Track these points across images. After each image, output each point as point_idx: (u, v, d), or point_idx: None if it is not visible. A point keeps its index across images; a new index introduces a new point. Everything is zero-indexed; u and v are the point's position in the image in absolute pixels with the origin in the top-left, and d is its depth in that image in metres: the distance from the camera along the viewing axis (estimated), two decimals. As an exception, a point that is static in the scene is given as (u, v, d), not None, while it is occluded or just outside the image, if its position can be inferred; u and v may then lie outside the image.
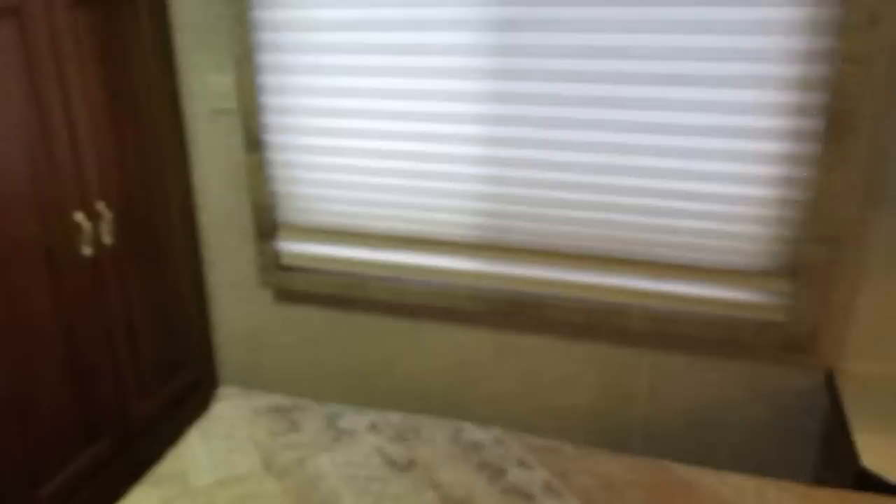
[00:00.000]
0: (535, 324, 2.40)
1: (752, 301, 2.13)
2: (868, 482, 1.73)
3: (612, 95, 2.06)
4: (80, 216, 2.09)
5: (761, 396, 2.24)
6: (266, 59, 2.35)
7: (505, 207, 2.27)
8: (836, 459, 1.98)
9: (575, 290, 2.29)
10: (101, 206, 2.18)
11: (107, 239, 2.21)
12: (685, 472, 1.80)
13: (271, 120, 2.42)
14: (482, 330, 2.46)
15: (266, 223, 2.54)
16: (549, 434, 2.50)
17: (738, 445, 2.32)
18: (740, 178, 2.03)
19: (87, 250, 2.12)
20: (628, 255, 2.20)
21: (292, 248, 2.58)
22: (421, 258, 2.43)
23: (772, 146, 1.98)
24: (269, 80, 2.38)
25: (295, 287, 2.60)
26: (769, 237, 2.06)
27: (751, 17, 1.89)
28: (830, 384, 2.11)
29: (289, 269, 2.61)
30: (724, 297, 2.15)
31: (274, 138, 2.45)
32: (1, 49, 1.83)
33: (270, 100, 2.40)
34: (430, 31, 2.16)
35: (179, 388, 2.66)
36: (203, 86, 2.47)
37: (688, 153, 2.05)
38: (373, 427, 2.00)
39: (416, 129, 2.28)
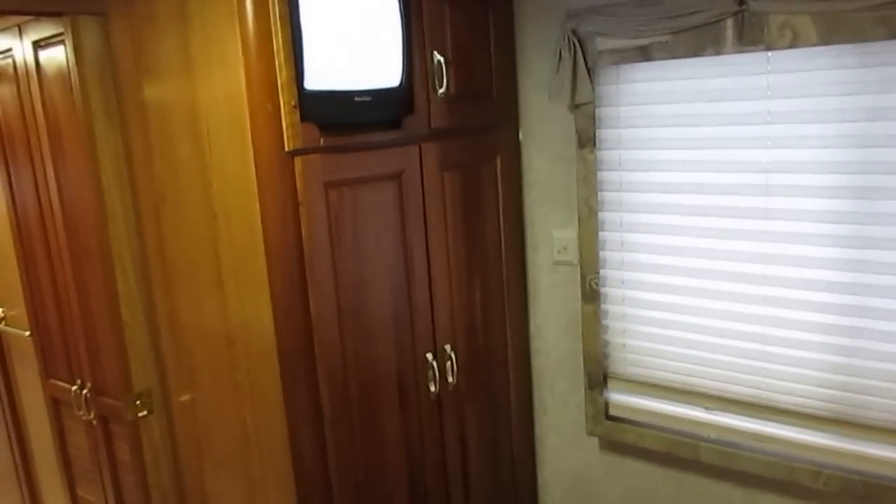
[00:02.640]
0: None
1: None
2: None
3: None
4: (429, 356, 2.30)
5: None
6: (607, 216, 2.46)
7: (859, 381, 2.09)
8: None
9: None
10: (447, 347, 2.38)
11: (450, 378, 2.39)
12: None
13: (609, 273, 2.50)
14: None
15: (596, 372, 2.58)
16: None
17: None
18: None
19: (432, 387, 2.32)
20: None
21: (621, 399, 2.58)
22: (758, 424, 2.30)
23: None
24: (609, 236, 2.47)
25: (622, 439, 2.59)
26: None
27: None
28: None
29: (617, 419, 2.60)
30: None
31: (610, 291, 2.51)
32: (384, 208, 2.13)
33: (609, 255, 2.48)
34: (777, 196, 2.12)
35: (503, 525, 2.74)
36: (547, 239, 2.63)
37: None
38: None
39: (757, 292, 2.21)
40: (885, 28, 1.82)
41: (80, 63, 2.13)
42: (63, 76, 2.20)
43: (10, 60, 2.45)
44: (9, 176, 2.64)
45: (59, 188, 2.37)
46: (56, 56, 2.22)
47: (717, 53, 2.08)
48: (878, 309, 2.03)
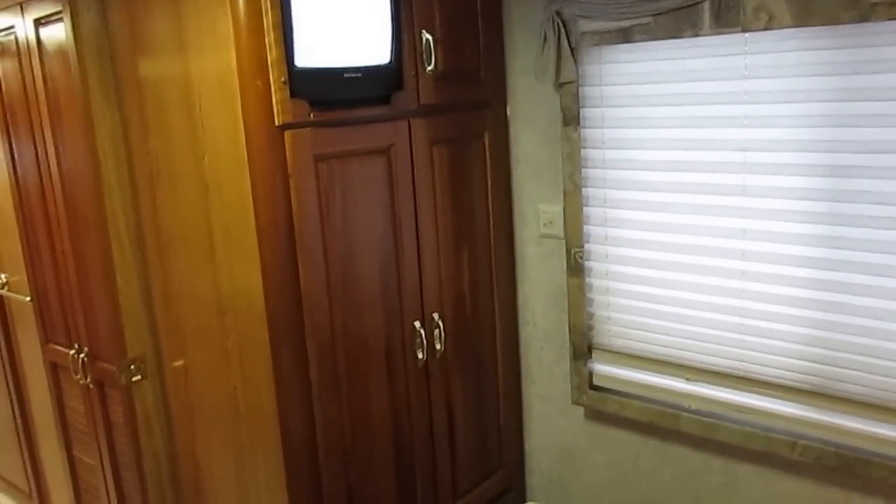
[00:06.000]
0: (864, 484, 2.16)
1: None
2: None
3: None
4: (417, 324, 2.38)
5: None
6: (592, 192, 2.52)
7: (835, 354, 2.14)
8: None
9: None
10: (436, 316, 2.45)
11: (438, 346, 2.46)
12: None
13: (593, 248, 2.56)
14: (803, 482, 2.28)
15: (582, 343, 2.65)
16: None
17: None
18: None
19: (420, 355, 2.39)
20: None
21: (605, 369, 2.65)
22: (737, 396, 2.35)
23: None
24: (593, 211, 2.53)
25: (606, 408, 2.66)
26: None
27: None
28: None
29: (601, 389, 2.67)
30: None
31: (595, 265, 2.58)
32: (373, 181, 2.20)
33: (594, 229, 2.55)
34: (754, 174, 2.17)
35: (491, 492, 2.81)
36: (534, 213, 2.70)
37: None
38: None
39: (736, 267, 2.26)
40: (855, 11, 1.86)
41: (77, 40, 2.18)
42: (62, 53, 2.25)
43: (12, 37, 2.51)
44: (11, 148, 2.70)
45: (59, 160, 2.43)
46: (56, 34, 2.28)
47: (696, 35, 2.13)
48: (852, 284, 2.07)
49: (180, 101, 2.07)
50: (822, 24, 1.94)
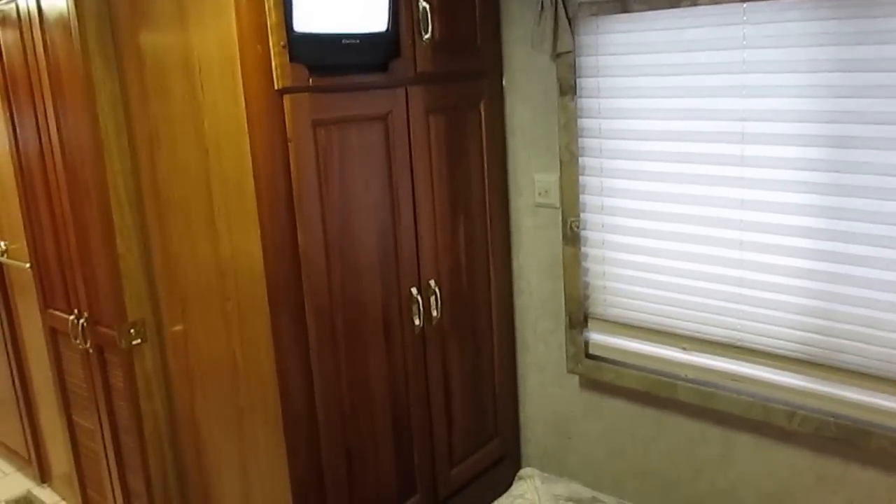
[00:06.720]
0: (863, 454, 2.16)
1: None
2: None
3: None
4: (414, 291, 2.40)
5: None
6: (588, 162, 2.53)
7: (835, 325, 2.13)
8: None
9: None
10: (432, 283, 2.47)
11: (434, 313, 2.49)
12: None
13: (589, 217, 2.58)
14: (801, 452, 2.28)
15: (577, 313, 2.67)
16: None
17: None
18: None
19: (417, 321, 2.42)
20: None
21: (601, 339, 2.66)
22: (735, 365, 2.34)
23: None
24: (589, 181, 2.55)
25: (601, 377, 2.67)
26: None
27: None
28: None
29: (596, 358, 2.68)
30: None
31: (590, 234, 2.59)
32: (371, 147, 2.21)
33: (589, 199, 2.56)
34: (753, 144, 2.17)
35: (486, 460, 2.84)
36: (529, 182, 2.71)
37: None
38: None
39: (734, 237, 2.26)
40: (856, -19, 1.86)
41: (78, 8, 2.20)
42: (63, 22, 2.27)
43: (13, 6, 2.52)
44: (12, 116, 2.71)
45: (59, 128, 2.45)
46: (57, 3, 2.29)
47: (693, 5, 2.13)
48: (852, 255, 2.06)
49: (180, 66, 2.07)
50: (822, -6, 1.93)
